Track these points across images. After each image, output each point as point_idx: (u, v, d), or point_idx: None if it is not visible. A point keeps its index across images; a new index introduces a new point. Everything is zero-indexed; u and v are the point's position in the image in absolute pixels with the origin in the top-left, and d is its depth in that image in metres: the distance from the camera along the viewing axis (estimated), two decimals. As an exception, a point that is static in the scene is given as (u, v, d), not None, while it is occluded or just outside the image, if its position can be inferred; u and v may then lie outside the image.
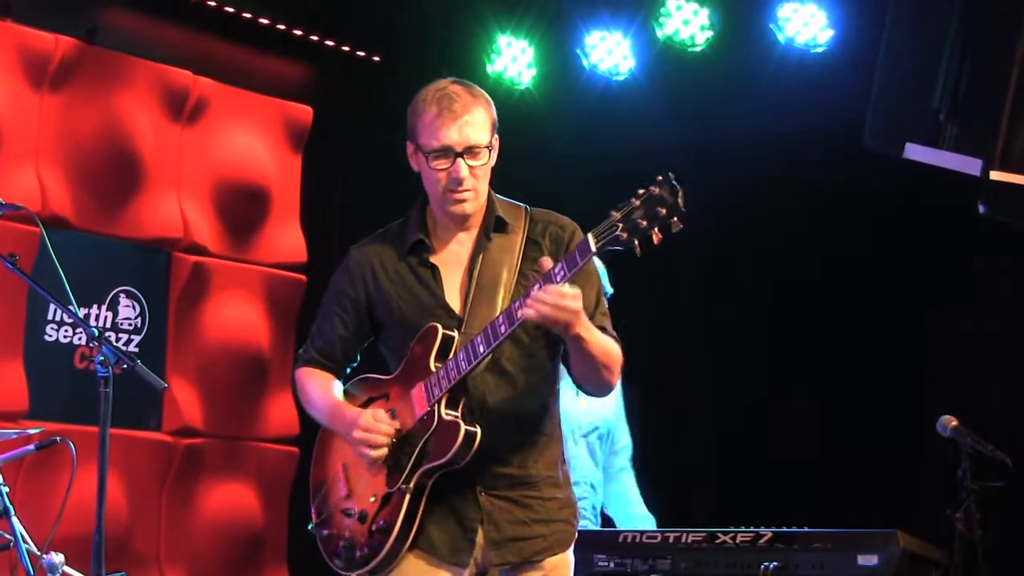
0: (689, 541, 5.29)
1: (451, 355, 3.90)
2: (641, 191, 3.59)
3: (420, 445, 3.91)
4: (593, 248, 3.63)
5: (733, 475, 6.69)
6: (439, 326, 3.94)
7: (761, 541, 5.21)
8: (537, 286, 3.71)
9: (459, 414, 3.89)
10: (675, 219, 3.56)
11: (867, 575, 5.07)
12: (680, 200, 3.56)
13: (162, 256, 6.85)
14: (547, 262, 3.75)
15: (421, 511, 3.92)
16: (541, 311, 3.69)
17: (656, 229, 3.56)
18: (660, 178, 3.58)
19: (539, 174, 7.23)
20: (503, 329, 3.78)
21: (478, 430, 3.87)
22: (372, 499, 3.99)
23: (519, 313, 3.72)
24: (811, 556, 5.14)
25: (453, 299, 4.00)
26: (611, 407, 5.90)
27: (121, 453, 6.26)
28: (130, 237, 6.66)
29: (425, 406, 3.92)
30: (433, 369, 3.91)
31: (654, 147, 7.46)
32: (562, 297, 3.68)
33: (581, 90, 7.42)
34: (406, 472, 3.92)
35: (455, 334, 3.93)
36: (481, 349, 3.82)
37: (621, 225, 3.58)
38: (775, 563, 5.13)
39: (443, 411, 3.89)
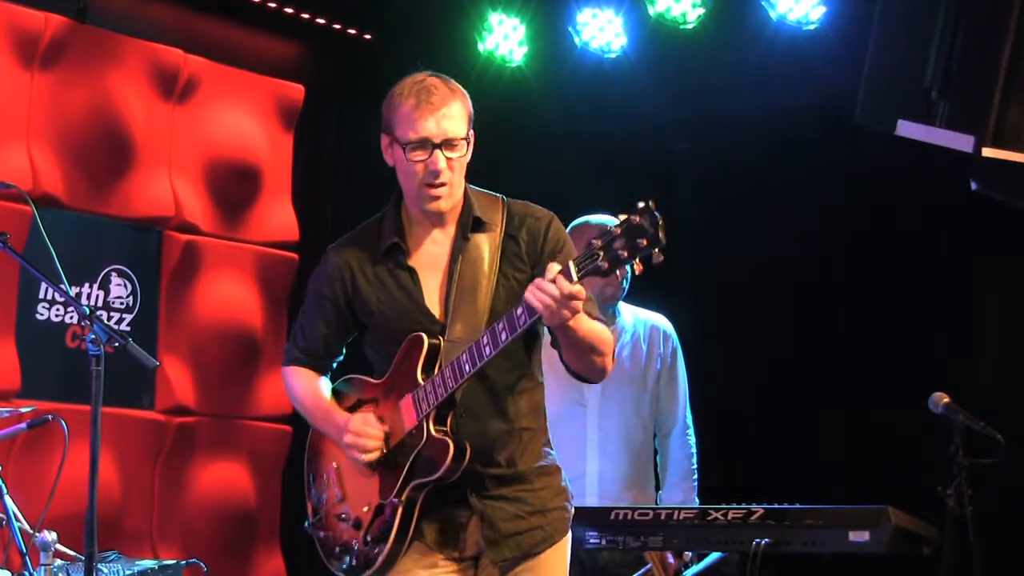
0: (681, 518, 5.30)
1: (437, 367, 3.88)
2: (623, 217, 3.52)
3: (410, 460, 3.91)
4: (575, 277, 3.58)
5: (724, 452, 6.70)
6: (424, 336, 3.92)
7: (752, 518, 5.21)
8: (549, 281, 3.62)
9: (448, 429, 3.88)
10: (656, 251, 3.49)
11: (858, 551, 5.08)
12: (661, 233, 3.47)
13: (153, 235, 6.85)
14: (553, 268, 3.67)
15: (415, 521, 3.93)
16: (547, 304, 3.62)
17: (637, 260, 3.52)
18: (641, 205, 3.51)
19: (530, 151, 7.24)
20: (488, 351, 3.76)
21: (468, 447, 3.86)
22: (365, 508, 4.00)
23: (528, 301, 3.65)
24: (802, 533, 5.15)
25: (433, 303, 3.98)
26: None
27: (113, 432, 6.26)
28: (121, 216, 6.66)
29: (414, 420, 3.91)
30: (420, 381, 3.90)
31: (646, 124, 7.47)
32: (574, 296, 3.62)
33: (573, 68, 7.40)
34: (398, 486, 3.92)
35: (440, 342, 3.91)
36: (467, 368, 3.80)
37: (602, 254, 3.54)
38: (766, 539, 5.13)
39: (432, 427, 3.88)
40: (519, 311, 3.70)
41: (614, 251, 3.52)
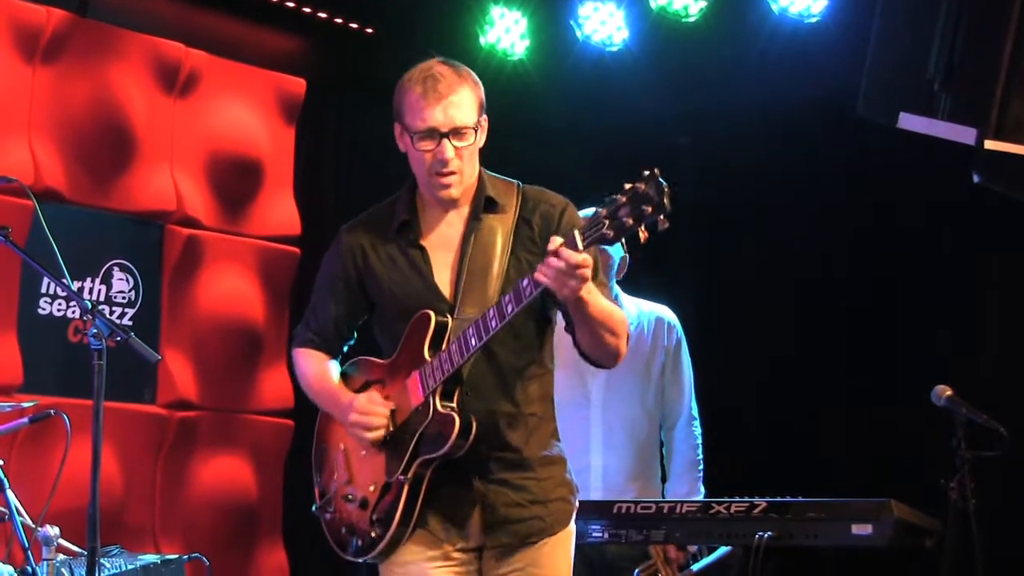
0: (684, 511, 5.30)
1: (444, 344, 3.88)
2: (628, 186, 3.52)
3: (417, 436, 3.91)
4: (580, 246, 3.58)
5: (724, 449, 6.69)
6: (432, 313, 3.92)
7: (755, 511, 5.22)
8: (553, 256, 3.63)
9: (454, 405, 3.88)
10: (661, 217, 3.49)
11: (861, 544, 5.08)
12: (666, 200, 3.48)
13: (155, 229, 6.85)
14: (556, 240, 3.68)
15: (421, 500, 3.93)
16: (557, 278, 3.64)
17: (642, 227, 3.51)
18: (647, 173, 3.51)
19: (532, 145, 7.23)
20: (494, 323, 3.76)
21: (474, 422, 3.87)
22: (372, 487, 4.00)
23: (535, 276, 3.66)
24: (805, 526, 5.15)
25: (443, 283, 3.98)
26: None
27: (115, 426, 6.26)
28: (123, 210, 6.66)
29: (420, 396, 3.91)
30: (427, 358, 3.89)
31: (648, 118, 7.47)
32: (580, 265, 3.62)
33: (575, 61, 7.40)
34: (404, 462, 3.92)
35: (448, 320, 3.91)
36: (473, 342, 3.80)
37: (607, 222, 3.53)
38: (769, 532, 5.14)
39: (439, 403, 3.88)
40: (524, 282, 3.71)
41: (619, 219, 3.52)
